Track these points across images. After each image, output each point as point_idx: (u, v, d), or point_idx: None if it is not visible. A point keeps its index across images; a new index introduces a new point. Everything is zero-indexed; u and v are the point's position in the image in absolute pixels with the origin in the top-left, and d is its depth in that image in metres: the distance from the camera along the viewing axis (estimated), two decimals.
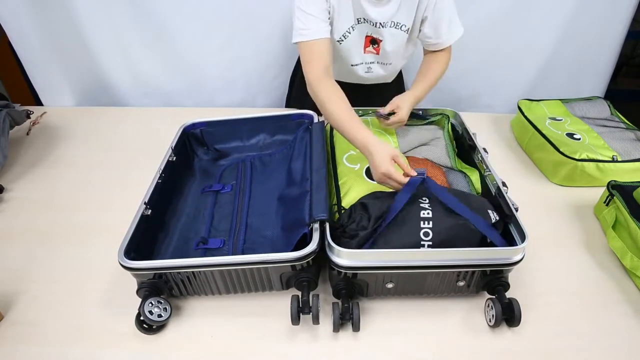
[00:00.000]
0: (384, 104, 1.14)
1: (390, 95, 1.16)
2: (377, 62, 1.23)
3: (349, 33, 1.12)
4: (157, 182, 0.96)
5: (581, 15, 1.51)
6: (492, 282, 0.81)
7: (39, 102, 1.72)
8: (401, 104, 1.10)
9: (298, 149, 1.12)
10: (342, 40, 1.14)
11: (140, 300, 0.80)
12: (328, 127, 1.15)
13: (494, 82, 1.70)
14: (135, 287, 0.81)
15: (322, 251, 0.80)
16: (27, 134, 1.43)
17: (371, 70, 1.25)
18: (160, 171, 0.99)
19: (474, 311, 0.85)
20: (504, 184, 0.92)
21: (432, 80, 1.16)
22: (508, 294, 0.81)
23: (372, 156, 0.88)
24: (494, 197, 0.92)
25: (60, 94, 1.68)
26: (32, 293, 0.90)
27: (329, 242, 0.78)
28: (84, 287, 0.90)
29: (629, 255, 0.91)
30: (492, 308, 0.80)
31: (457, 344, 0.80)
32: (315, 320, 0.77)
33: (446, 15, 1.11)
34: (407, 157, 1.04)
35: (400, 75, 1.45)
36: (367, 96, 1.31)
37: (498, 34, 1.58)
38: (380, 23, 1.10)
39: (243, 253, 0.91)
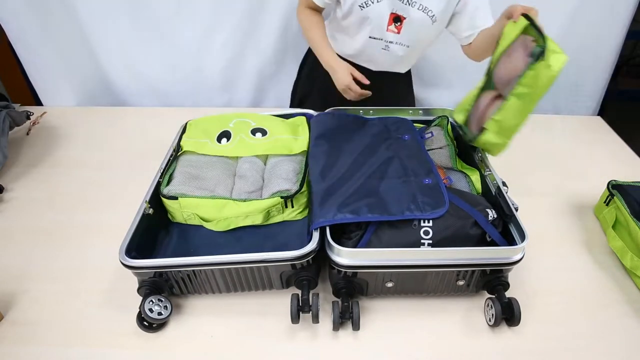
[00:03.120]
0: (392, 97, 1.25)
1: (399, 90, 1.25)
2: (396, 43, 1.24)
3: (372, 3, 1.15)
4: (158, 181, 0.96)
5: (581, 15, 1.51)
6: (491, 282, 0.82)
7: (39, 102, 1.72)
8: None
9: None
10: (364, 7, 1.16)
11: (141, 298, 0.80)
12: None
13: None
14: (136, 286, 0.81)
15: (322, 250, 0.80)
16: (27, 134, 1.43)
17: (388, 48, 1.25)
18: (161, 171, 0.99)
19: (473, 310, 0.85)
20: (504, 184, 0.92)
21: None
22: (508, 294, 0.81)
23: (335, 72, 1.20)
24: (494, 197, 0.92)
25: (60, 94, 1.69)
26: (32, 293, 0.90)
27: (329, 241, 0.78)
28: (85, 287, 0.91)
29: (629, 255, 0.91)
30: (491, 307, 0.80)
31: (457, 343, 0.80)
32: (315, 319, 0.77)
33: (481, 5, 1.16)
34: None
35: (409, 73, 1.46)
36: (378, 89, 1.29)
37: None
38: (408, 0, 1.13)
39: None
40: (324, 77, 1.29)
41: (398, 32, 1.20)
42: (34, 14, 1.50)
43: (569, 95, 1.71)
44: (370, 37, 1.23)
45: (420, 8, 1.14)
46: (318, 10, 1.28)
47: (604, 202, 1.05)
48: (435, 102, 1.79)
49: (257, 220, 0.93)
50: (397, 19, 1.17)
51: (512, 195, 0.88)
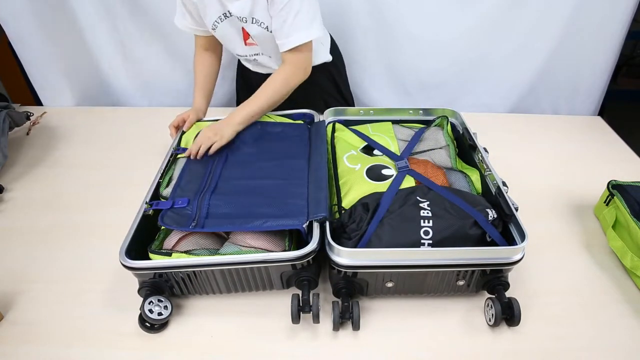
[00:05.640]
0: (312, 94, 1.27)
1: (317, 84, 1.28)
2: (262, 54, 1.26)
3: (218, 23, 1.16)
4: (159, 182, 0.96)
5: (581, 14, 1.51)
6: (491, 282, 0.82)
7: (39, 102, 1.73)
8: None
9: (297, 145, 1.10)
10: (215, 29, 1.18)
11: (142, 299, 0.80)
12: (329, 128, 1.15)
13: (493, 81, 1.70)
14: (137, 286, 0.81)
15: (322, 250, 0.80)
16: (27, 134, 1.43)
17: (257, 61, 1.28)
18: (161, 171, 0.99)
19: (473, 310, 0.85)
20: (504, 184, 0.92)
21: (257, 103, 1.10)
22: (508, 294, 0.81)
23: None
24: (494, 197, 0.92)
25: (60, 94, 1.69)
26: (32, 293, 0.90)
27: (329, 241, 0.78)
28: (85, 287, 0.91)
29: (629, 255, 0.91)
30: (491, 307, 0.80)
31: (457, 344, 0.80)
32: (316, 319, 0.77)
33: (291, 14, 1.05)
34: (407, 158, 1.03)
35: (327, 71, 1.39)
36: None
37: (497, 34, 1.58)
38: (242, 17, 1.12)
39: (207, 215, 0.87)
40: (248, 77, 1.37)
41: (257, 45, 1.22)
42: (34, 14, 1.50)
43: (569, 95, 1.71)
44: (237, 54, 1.28)
45: (253, 22, 1.12)
46: (208, 46, 1.27)
47: (604, 202, 1.05)
48: (428, 102, 1.79)
49: None
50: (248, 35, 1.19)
51: (512, 195, 0.88)
